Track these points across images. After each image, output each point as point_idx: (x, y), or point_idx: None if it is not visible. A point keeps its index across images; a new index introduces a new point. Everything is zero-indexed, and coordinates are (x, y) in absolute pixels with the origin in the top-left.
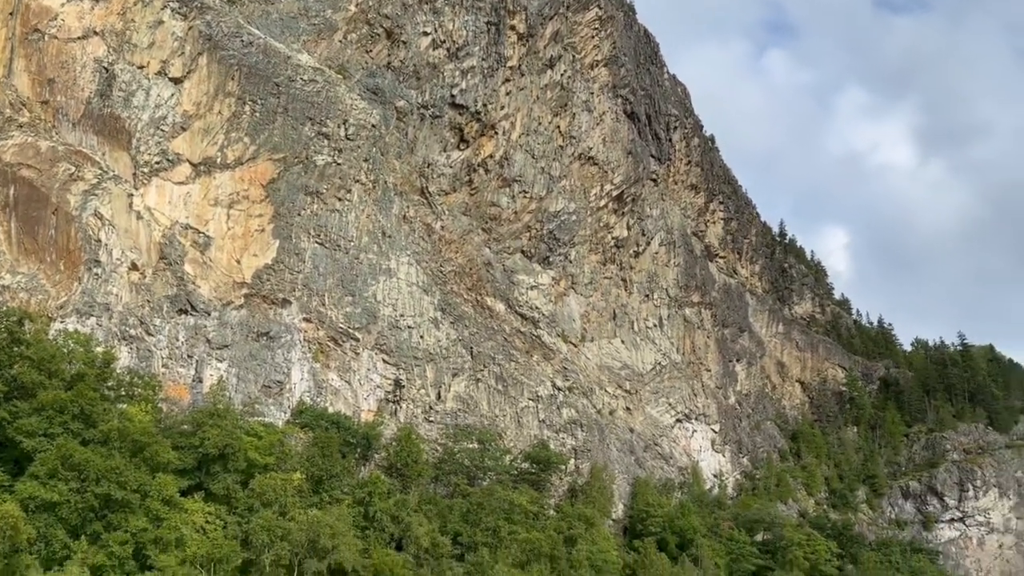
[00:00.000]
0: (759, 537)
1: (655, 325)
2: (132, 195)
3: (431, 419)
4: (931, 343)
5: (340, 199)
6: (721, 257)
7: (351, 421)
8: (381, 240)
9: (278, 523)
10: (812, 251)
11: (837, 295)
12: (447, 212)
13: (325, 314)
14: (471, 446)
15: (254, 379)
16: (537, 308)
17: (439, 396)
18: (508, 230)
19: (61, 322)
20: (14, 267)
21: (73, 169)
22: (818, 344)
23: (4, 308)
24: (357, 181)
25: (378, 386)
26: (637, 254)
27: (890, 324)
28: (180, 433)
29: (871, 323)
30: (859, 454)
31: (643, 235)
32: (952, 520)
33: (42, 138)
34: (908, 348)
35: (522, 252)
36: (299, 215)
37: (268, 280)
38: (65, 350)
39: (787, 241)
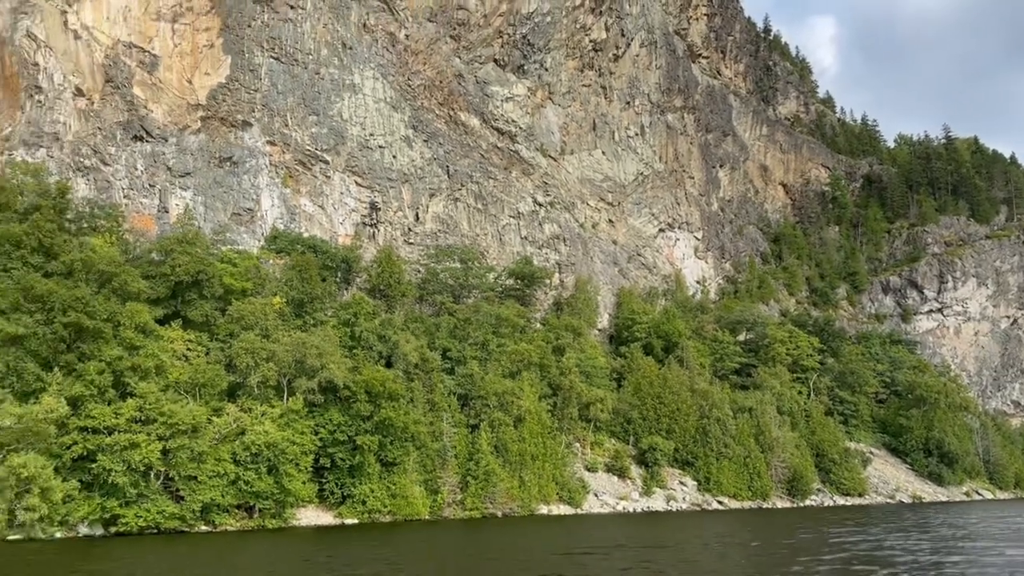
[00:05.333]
0: (742, 337)
1: (636, 134)
2: (66, 12)
3: (411, 241)
4: (915, 138)
5: (292, 7)
6: (704, 57)
7: (328, 245)
8: (342, 52)
9: (262, 345)
10: (797, 47)
11: (822, 93)
12: (411, 19)
13: (289, 136)
14: (454, 265)
15: (222, 207)
16: (513, 121)
17: (417, 217)
18: (478, 36)
19: (8, 154)
20: None
21: None
22: (802, 145)
23: None
24: None
25: (353, 210)
26: (616, 58)
27: (874, 120)
28: (150, 263)
29: (855, 120)
30: (840, 252)
31: (622, 36)
32: (930, 311)
33: None
34: (892, 144)
35: (495, 61)
36: (250, 27)
37: (224, 100)
38: (15, 182)
39: (772, 37)
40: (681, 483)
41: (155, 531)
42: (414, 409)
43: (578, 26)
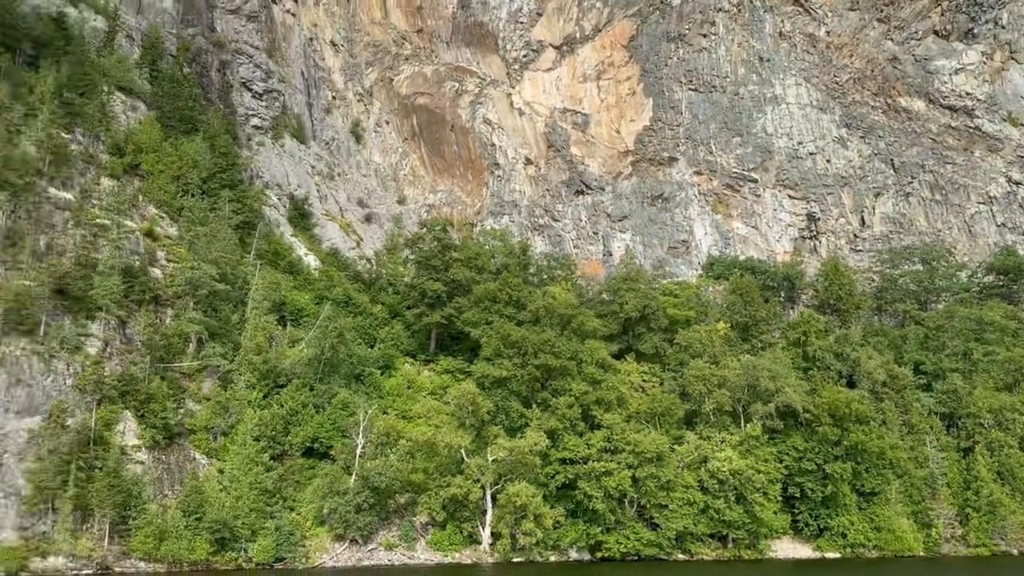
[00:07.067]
0: None
1: None
2: (510, 94)
3: (857, 248)
4: None
5: (705, 35)
6: None
7: (767, 265)
8: (759, 67)
9: (712, 372)
10: None
11: None
12: (830, 13)
13: (715, 162)
14: (915, 268)
15: (658, 242)
16: (968, 94)
17: (863, 222)
18: (911, 11)
19: (480, 225)
20: (434, 187)
21: (457, 84)
22: None
23: (429, 221)
24: (720, 10)
25: (789, 224)
26: None
27: None
28: (600, 303)
29: None
30: None
31: None
32: None
33: (425, 64)
34: None
35: (935, 33)
36: (666, 65)
37: (650, 141)
38: (487, 248)
39: None
40: None
41: (635, 557)
42: (888, 432)
43: None
